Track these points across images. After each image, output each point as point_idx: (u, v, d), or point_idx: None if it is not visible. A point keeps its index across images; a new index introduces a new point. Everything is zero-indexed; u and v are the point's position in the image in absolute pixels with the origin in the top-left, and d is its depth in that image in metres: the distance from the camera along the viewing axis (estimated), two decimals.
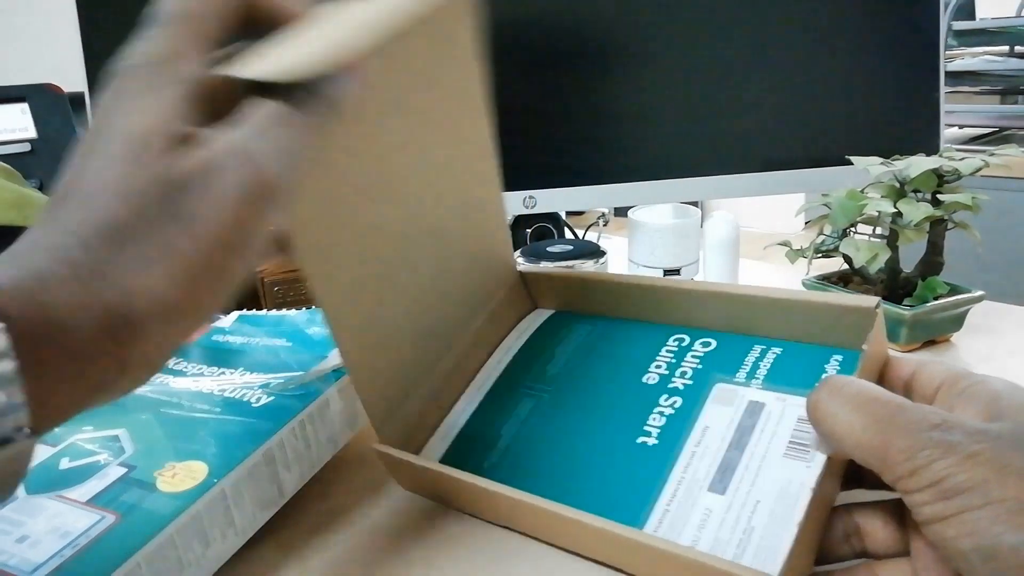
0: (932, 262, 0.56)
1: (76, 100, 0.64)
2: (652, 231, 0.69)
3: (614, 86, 0.66)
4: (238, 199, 0.21)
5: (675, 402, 0.36)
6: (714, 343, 0.38)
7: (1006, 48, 1.32)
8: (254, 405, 0.38)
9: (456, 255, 0.41)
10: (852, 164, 0.56)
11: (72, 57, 0.62)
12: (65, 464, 0.35)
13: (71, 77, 0.63)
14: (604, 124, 0.67)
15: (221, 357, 0.43)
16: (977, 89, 1.34)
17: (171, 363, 0.43)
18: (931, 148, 0.65)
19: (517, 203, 0.67)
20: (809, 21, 0.66)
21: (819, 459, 0.30)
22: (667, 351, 0.39)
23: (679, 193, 0.68)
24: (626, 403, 0.37)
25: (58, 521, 0.31)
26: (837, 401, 0.26)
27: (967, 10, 1.35)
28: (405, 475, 0.39)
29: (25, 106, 0.64)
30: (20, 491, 0.33)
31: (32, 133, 0.63)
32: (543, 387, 0.40)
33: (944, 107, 0.68)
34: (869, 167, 0.54)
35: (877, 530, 0.29)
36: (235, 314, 0.48)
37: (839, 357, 0.35)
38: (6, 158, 0.59)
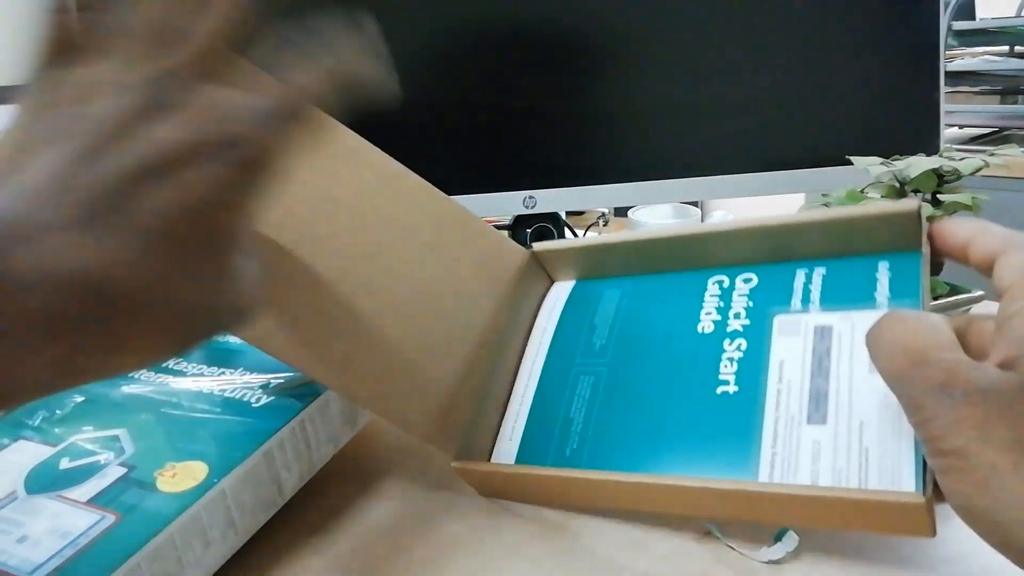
0: (932, 262, 0.56)
1: None
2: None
3: (614, 86, 0.66)
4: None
5: (740, 344, 0.35)
6: (755, 277, 0.37)
7: (1006, 48, 1.32)
8: (254, 405, 0.38)
9: (452, 257, 0.41)
10: (852, 164, 0.56)
11: None
12: (65, 464, 0.35)
13: None
14: (604, 124, 0.67)
15: (221, 357, 0.43)
16: (977, 89, 1.34)
17: (171, 363, 0.43)
18: (931, 148, 0.65)
19: (517, 203, 0.67)
20: (809, 21, 0.66)
21: None
22: (711, 296, 0.38)
23: (679, 193, 0.68)
24: (690, 358, 0.36)
25: (58, 521, 0.31)
26: (876, 345, 0.27)
27: (967, 10, 1.34)
28: (488, 484, 0.38)
29: None
30: (20, 491, 0.33)
31: None
32: (597, 362, 0.39)
33: (944, 107, 0.68)
34: (869, 167, 0.54)
35: None
36: None
37: (886, 264, 0.34)
38: None
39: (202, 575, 0.32)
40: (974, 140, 1.36)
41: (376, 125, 0.65)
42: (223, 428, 0.36)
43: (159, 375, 0.42)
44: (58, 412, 0.39)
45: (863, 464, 0.29)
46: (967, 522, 0.24)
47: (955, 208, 0.53)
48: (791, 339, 0.34)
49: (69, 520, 0.31)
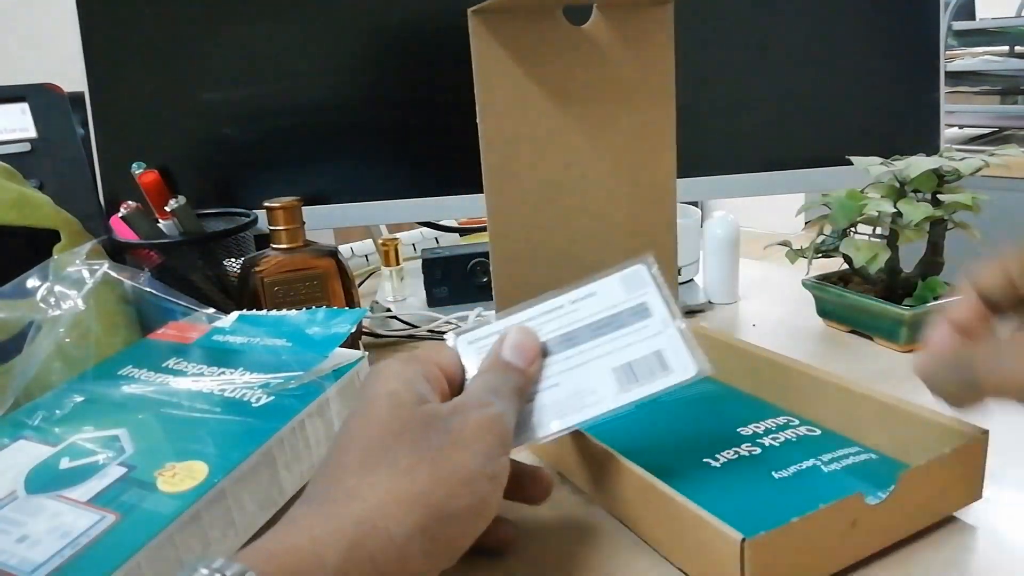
0: (932, 262, 0.56)
1: (76, 100, 0.64)
2: None
3: None
4: (481, 422, 0.28)
5: (754, 451, 0.37)
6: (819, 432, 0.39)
7: (1006, 48, 1.32)
8: (254, 405, 0.38)
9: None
10: (852, 164, 0.57)
11: (72, 57, 0.62)
12: (65, 464, 0.35)
13: (71, 77, 0.63)
14: None
15: (221, 357, 0.43)
16: (977, 89, 1.34)
17: (172, 363, 0.43)
18: (931, 148, 0.66)
19: None
20: (810, 21, 0.66)
21: (631, 398, 0.31)
22: (772, 421, 0.40)
23: (679, 193, 0.68)
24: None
25: (58, 521, 0.31)
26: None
27: (967, 10, 1.35)
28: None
29: (25, 106, 0.64)
30: (20, 491, 0.33)
31: (32, 133, 0.63)
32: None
33: (944, 107, 0.68)
34: (869, 167, 0.54)
35: None
36: (235, 314, 0.48)
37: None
38: (6, 158, 0.59)
39: None
40: (974, 140, 1.36)
41: (379, 125, 0.65)
42: (223, 428, 0.36)
43: (159, 375, 0.42)
44: (58, 412, 0.39)
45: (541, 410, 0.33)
46: None
47: (955, 208, 0.53)
48: (624, 294, 0.34)
49: (69, 520, 0.31)
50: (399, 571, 0.24)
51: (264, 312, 0.47)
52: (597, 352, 0.32)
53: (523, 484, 0.33)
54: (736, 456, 0.37)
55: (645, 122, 0.45)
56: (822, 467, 0.35)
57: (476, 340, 0.33)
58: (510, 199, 0.42)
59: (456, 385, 0.33)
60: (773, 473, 0.35)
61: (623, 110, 0.44)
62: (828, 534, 0.30)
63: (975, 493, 0.34)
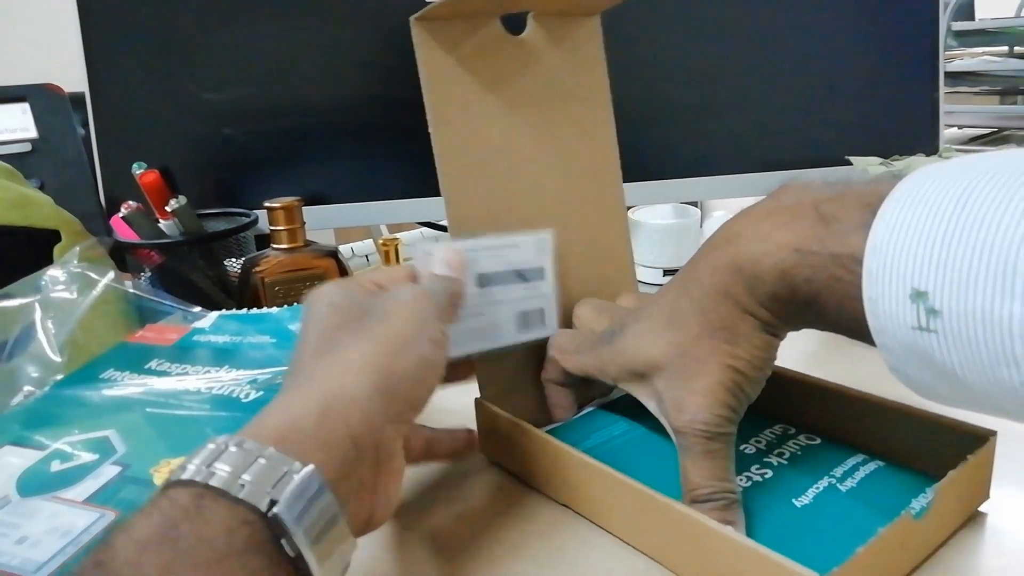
0: None
1: (77, 100, 0.64)
2: (652, 231, 0.69)
3: (613, 86, 0.66)
4: (413, 294, 0.33)
5: (765, 473, 0.36)
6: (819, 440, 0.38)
7: (1005, 48, 1.32)
8: (244, 400, 0.38)
9: (577, 265, 0.45)
10: (851, 164, 0.57)
11: (73, 57, 0.62)
12: (56, 466, 0.34)
13: (72, 77, 0.63)
14: None
15: (205, 356, 0.43)
16: (976, 89, 1.34)
17: (154, 364, 0.43)
18: (931, 148, 0.66)
19: None
20: (809, 21, 0.66)
21: (522, 338, 0.40)
22: (771, 432, 0.39)
23: (679, 193, 0.68)
24: None
25: (56, 521, 0.30)
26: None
27: (966, 10, 1.34)
28: (493, 429, 0.41)
29: (26, 106, 0.64)
30: (13, 494, 0.32)
31: (33, 133, 0.63)
32: (641, 421, 0.39)
33: (943, 107, 0.68)
34: (868, 167, 0.54)
35: None
36: (215, 314, 0.47)
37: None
38: (7, 158, 0.59)
39: None
40: (973, 140, 1.36)
41: (380, 125, 0.65)
42: (215, 424, 0.36)
43: (142, 376, 0.41)
44: (44, 416, 0.38)
45: None
46: None
47: None
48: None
49: (67, 520, 0.30)
50: (367, 429, 0.27)
51: (244, 311, 0.47)
52: (506, 296, 0.40)
53: (443, 441, 0.40)
54: (749, 483, 0.35)
55: (585, 129, 0.46)
56: (838, 485, 0.34)
57: (427, 254, 0.38)
58: (469, 210, 0.42)
59: None
60: (793, 500, 0.34)
61: (564, 117, 0.45)
62: (885, 557, 0.29)
63: (985, 494, 0.34)
